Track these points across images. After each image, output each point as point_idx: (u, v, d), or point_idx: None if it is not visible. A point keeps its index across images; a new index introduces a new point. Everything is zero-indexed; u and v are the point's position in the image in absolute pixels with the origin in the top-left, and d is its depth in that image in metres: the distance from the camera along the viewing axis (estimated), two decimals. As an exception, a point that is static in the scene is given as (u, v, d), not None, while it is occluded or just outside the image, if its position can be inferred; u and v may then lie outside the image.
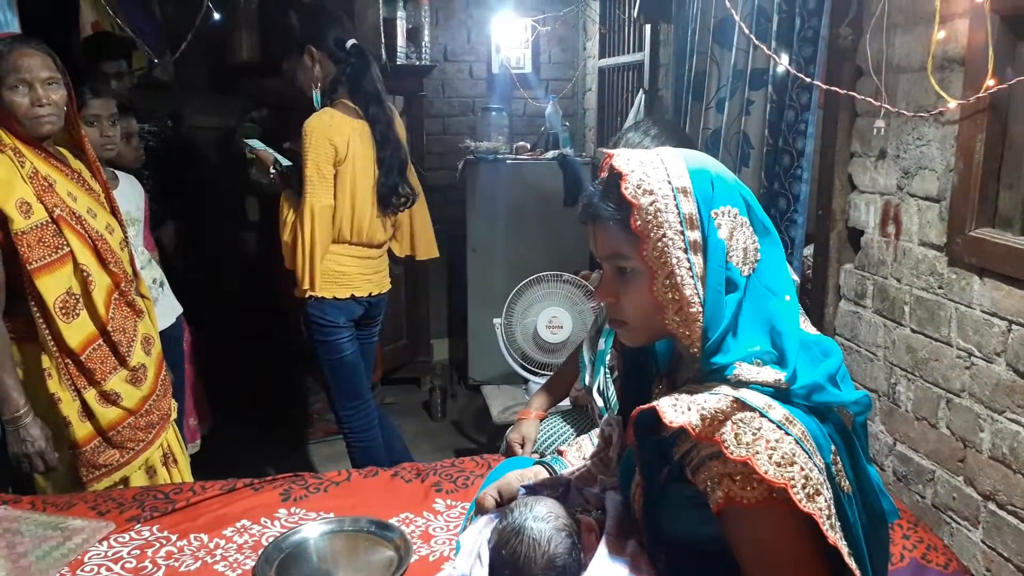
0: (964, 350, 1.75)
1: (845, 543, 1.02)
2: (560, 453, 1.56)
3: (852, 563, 1.02)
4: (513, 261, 4.00)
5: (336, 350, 2.81)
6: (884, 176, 2.01)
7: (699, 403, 1.06)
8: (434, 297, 4.77)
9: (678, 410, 1.06)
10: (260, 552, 1.75)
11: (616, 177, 1.12)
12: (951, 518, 1.81)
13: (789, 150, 2.26)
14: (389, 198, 2.78)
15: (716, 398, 1.05)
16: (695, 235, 1.10)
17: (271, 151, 2.83)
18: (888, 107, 1.84)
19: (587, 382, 2.07)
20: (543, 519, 1.14)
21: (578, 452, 1.55)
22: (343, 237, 2.72)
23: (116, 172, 2.71)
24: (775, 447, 1.01)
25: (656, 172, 1.11)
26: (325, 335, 2.78)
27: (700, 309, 1.09)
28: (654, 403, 1.09)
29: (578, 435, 2.11)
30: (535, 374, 3.09)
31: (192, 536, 1.84)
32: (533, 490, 1.36)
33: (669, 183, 1.10)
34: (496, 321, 3.11)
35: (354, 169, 2.67)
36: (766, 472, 0.99)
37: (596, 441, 1.59)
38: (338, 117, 2.63)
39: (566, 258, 3.90)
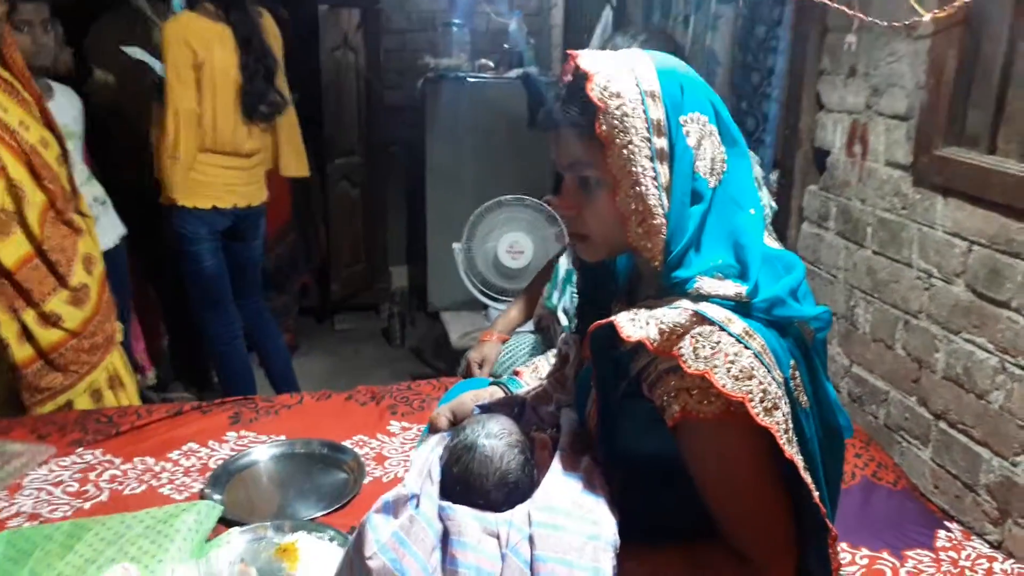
0: (924, 271, 1.74)
1: (801, 457, 1.01)
2: (516, 374, 1.52)
3: (807, 477, 1.00)
4: (474, 185, 3.90)
5: (195, 260, 2.80)
6: (853, 94, 1.95)
7: (658, 317, 1.02)
8: (392, 222, 4.67)
9: (636, 324, 1.03)
10: (208, 475, 1.71)
11: (581, 79, 1.05)
12: (902, 437, 1.83)
13: (758, 68, 2.19)
14: (254, 106, 2.72)
15: (675, 312, 1.01)
16: (662, 143, 1.04)
17: (150, 58, 2.73)
18: (861, 16, 1.78)
19: (554, 302, 2.03)
20: (495, 436, 1.10)
21: (534, 372, 1.51)
22: (204, 145, 2.68)
23: (51, 83, 2.54)
24: (733, 361, 0.97)
25: (624, 74, 1.04)
26: (185, 245, 2.76)
27: (664, 221, 1.04)
28: (612, 318, 1.05)
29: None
30: (495, 300, 3.05)
31: (137, 459, 1.79)
32: (488, 409, 1.32)
33: (637, 86, 1.04)
34: (456, 246, 3.04)
35: (213, 73, 2.62)
36: (724, 386, 0.96)
37: (552, 361, 1.56)
38: (196, 20, 2.60)
39: (529, 182, 3.81)
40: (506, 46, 4.41)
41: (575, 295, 2.02)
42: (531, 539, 1.01)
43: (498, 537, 1.02)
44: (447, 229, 3.85)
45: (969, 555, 1.46)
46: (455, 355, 3.04)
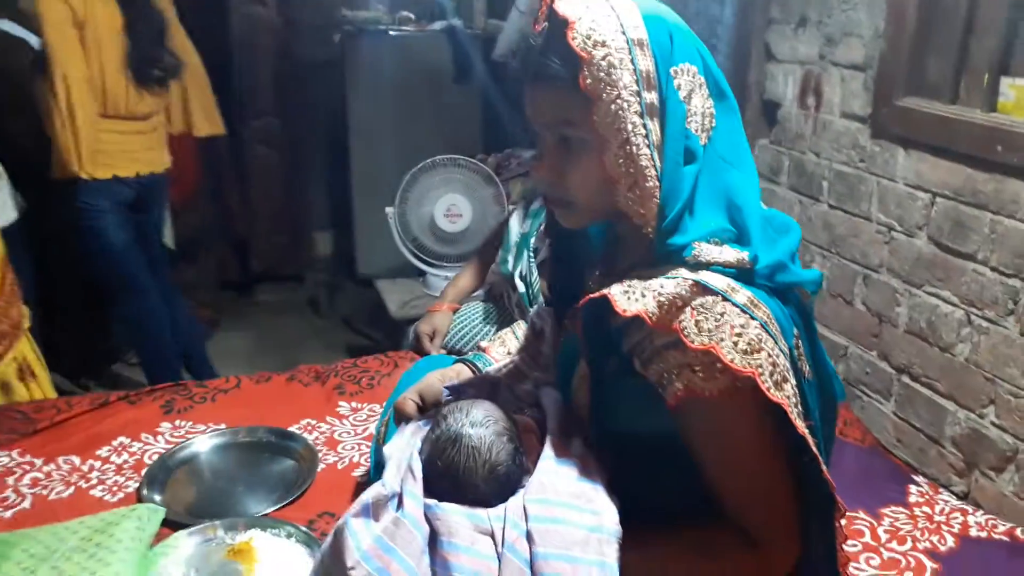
0: (885, 225, 1.72)
1: (808, 431, 0.95)
2: (482, 349, 1.43)
3: (816, 451, 0.95)
4: (401, 145, 3.73)
5: (99, 236, 2.61)
6: (805, 44, 1.91)
7: (655, 289, 0.94)
8: (314, 186, 4.46)
9: (631, 297, 0.94)
10: (144, 472, 1.56)
11: (560, 26, 0.94)
12: (863, 392, 1.83)
13: (710, 18, 2.12)
14: (144, 69, 2.53)
15: (673, 282, 0.93)
16: (652, 96, 0.95)
17: (22, 30, 2.53)
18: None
19: (510, 268, 1.94)
20: (481, 424, 1.00)
21: (502, 347, 1.42)
22: (98, 110, 2.49)
23: None
24: (740, 333, 0.91)
25: (608, 20, 0.94)
26: (87, 220, 2.57)
27: (657, 184, 0.95)
28: (604, 291, 0.96)
29: (496, 327, 1.99)
30: (432, 266, 2.93)
31: (61, 459, 1.62)
32: (457, 391, 1.23)
33: (623, 33, 0.94)
34: (389, 210, 2.90)
35: (98, 32, 2.42)
36: (732, 360, 0.90)
37: (520, 335, 1.47)
38: None
39: (459, 141, 3.67)
40: (427, -3, 4.21)
41: (532, 260, 1.94)
42: (529, 535, 0.93)
43: (492, 535, 0.94)
44: (373, 192, 3.69)
45: (942, 509, 1.46)
46: (394, 325, 2.91)
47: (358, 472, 1.58)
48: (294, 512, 1.45)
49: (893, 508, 1.47)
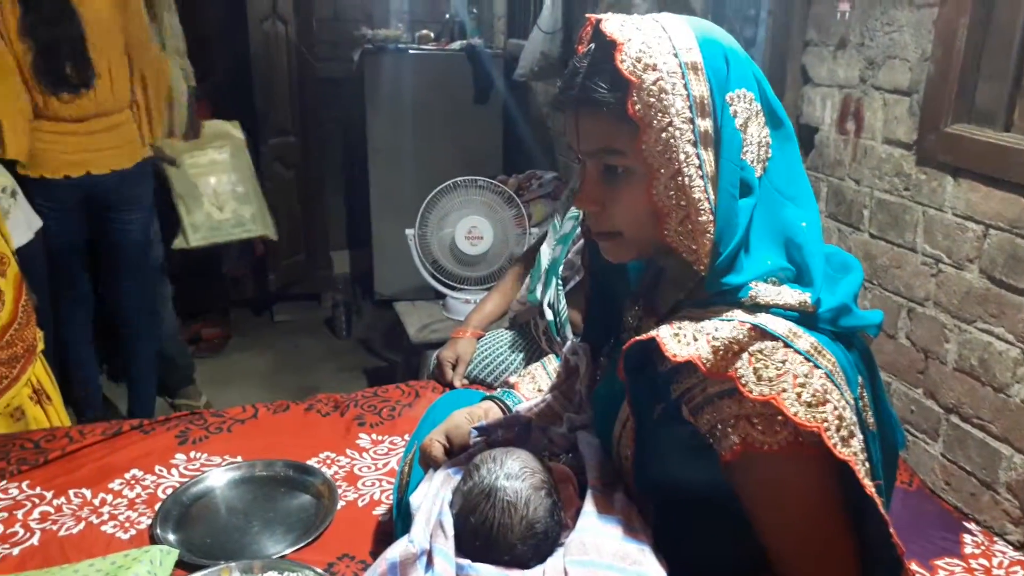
0: (931, 256, 1.64)
1: (874, 489, 0.88)
2: (511, 386, 1.36)
3: (884, 512, 0.87)
4: (420, 164, 3.69)
5: (45, 235, 2.50)
6: (844, 67, 1.84)
7: (708, 332, 0.87)
8: (332, 205, 4.42)
9: (682, 340, 0.88)
10: (157, 507, 1.50)
11: (607, 47, 0.88)
12: (908, 431, 1.75)
13: (738, 39, 2.05)
14: (51, 78, 2.43)
15: (729, 326, 0.87)
16: (706, 124, 0.89)
17: None
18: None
19: (539, 296, 1.87)
20: (517, 476, 0.94)
21: (532, 384, 1.36)
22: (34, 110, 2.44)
23: None
24: (804, 383, 0.84)
25: (659, 42, 0.88)
26: (43, 219, 2.49)
27: (711, 218, 0.89)
28: (653, 333, 0.90)
29: (522, 355, 1.92)
30: (452, 288, 2.87)
31: (72, 492, 1.56)
32: (487, 431, 1.16)
33: (676, 56, 0.88)
34: (409, 232, 2.84)
35: (7, 29, 2.35)
36: (795, 413, 0.83)
37: (551, 370, 1.40)
38: None
39: (478, 161, 3.63)
40: (447, 15, 4.19)
41: (560, 289, 1.87)
42: (570, 600, 0.86)
43: (531, 600, 0.87)
44: (392, 211, 3.66)
45: (1001, 562, 1.38)
46: (412, 349, 2.85)
47: (379, 511, 1.51)
48: (312, 554, 1.38)
49: (947, 560, 1.38)
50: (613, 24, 0.89)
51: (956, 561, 1.38)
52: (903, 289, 1.72)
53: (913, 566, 1.36)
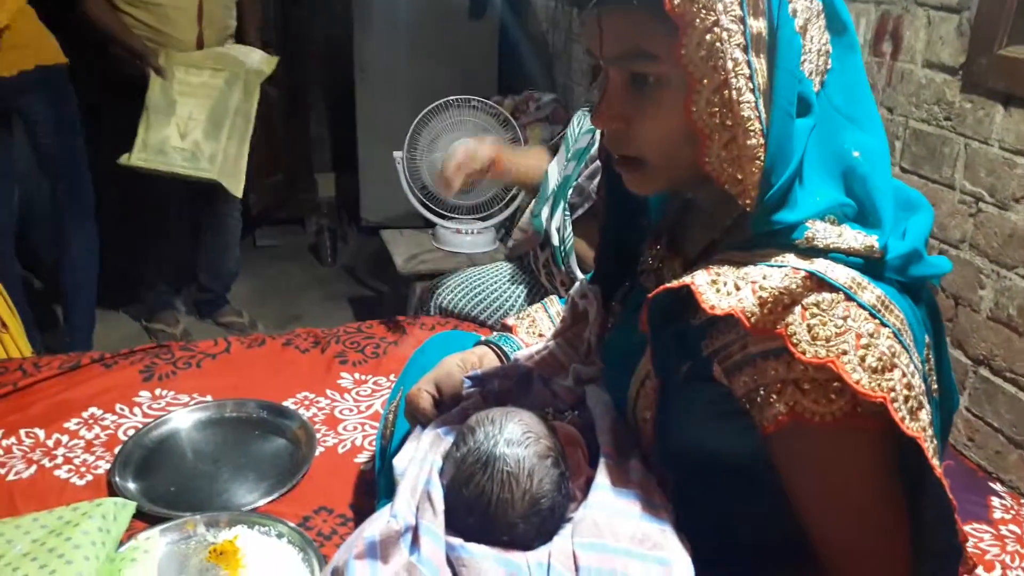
0: (971, 194, 1.49)
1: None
2: (508, 329, 1.21)
3: (952, 496, 0.75)
4: (410, 84, 3.48)
5: None
6: (884, -20, 1.65)
7: (754, 280, 0.73)
8: (315, 125, 4.20)
9: (722, 290, 0.74)
10: (117, 451, 1.37)
11: None
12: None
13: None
14: None
15: (780, 273, 0.72)
16: (760, 25, 0.73)
17: None
18: None
19: (544, 219, 1.70)
20: (519, 443, 0.80)
21: (532, 328, 1.21)
22: None
23: None
24: (869, 344, 0.70)
25: None
26: None
27: (762, 141, 0.73)
28: (687, 279, 0.75)
29: (524, 295, 1.77)
30: (442, 217, 2.70)
31: (23, 432, 1.44)
32: (481, 382, 1.03)
33: None
34: (397, 155, 2.66)
35: None
36: (858, 381, 0.69)
37: (553, 313, 1.26)
38: None
39: (472, 80, 3.42)
40: (442, -77, 3.89)
41: (567, 215, 1.71)
42: (579, 590, 0.73)
43: (533, 587, 0.74)
44: (380, 133, 3.47)
45: (1032, 527, 1.27)
46: (398, 279, 2.70)
47: (361, 458, 1.39)
48: (287, 506, 1.27)
49: (975, 526, 1.28)
50: None
51: (984, 527, 1.27)
52: (936, 230, 1.58)
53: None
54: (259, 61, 2.67)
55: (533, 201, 1.81)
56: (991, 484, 1.40)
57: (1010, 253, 1.43)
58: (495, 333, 1.21)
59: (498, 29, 3.66)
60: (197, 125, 2.53)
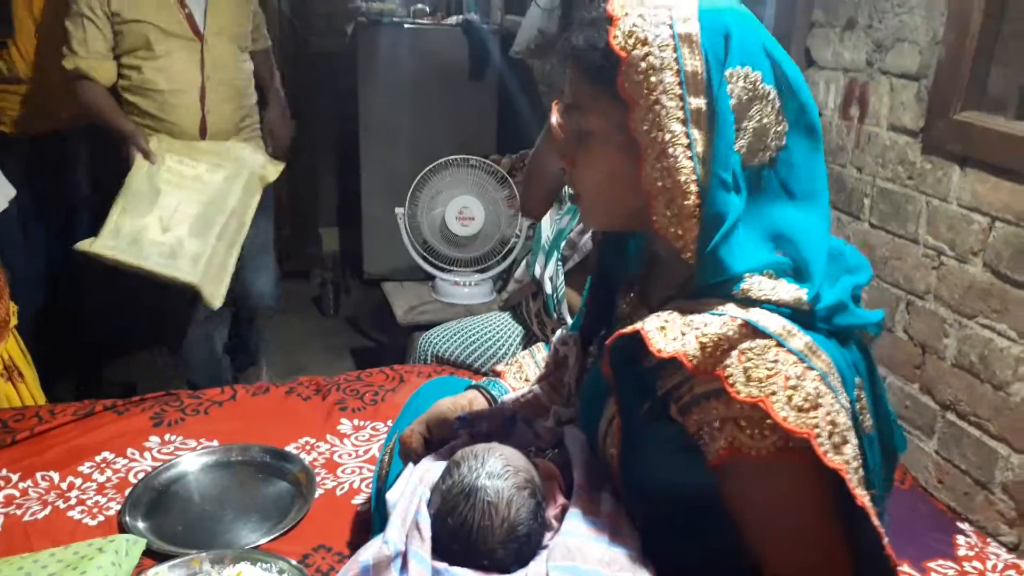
0: (933, 248, 1.59)
1: (867, 498, 0.83)
2: (497, 374, 1.30)
3: (877, 522, 0.83)
4: (413, 142, 3.62)
5: None
6: (851, 50, 1.77)
7: (697, 327, 0.82)
8: (322, 181, 4.34)
9: (669, 335, 0.83)
10: (127, 493, 1.45)
11: (604, 19, 0.83)
12: (901, 427, 1.70)
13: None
14: None
15: (719, 320, 0.81)
16: (699, 102, 0.83)
17: None
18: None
19: (537, 271, 1.81)
20: (499, 475, 0.88)
21: (519, 373, 1.30)
22: None
23: None
24: (796, 385, 0.79)
25: (656, 13, 0.83)
26: None
27: (698, 201, 0.83)
28: (638, 326, 0.84)
29: (515, 344, 1.86)
30: (442, 270, 2.81)
31: (39, 475, 1.51)
32: (470, 423, 1.11)
33: (671, 27, 0.82)
34: (399, 211, 2.78)
35: None
36: (785, 418, 0.78)
37: (539, 360, 1.35)
38: None
39: (474, 140, 3.56)
40: (443, -11, 4.09)
41: (559, 265, 1.81)
42: (552, 609, 0.81)
43: (509, 607, 0.82)
44: (383, 189, 3.60)
45: (995, 565, 1.34)
46: (399, 330, 2.79)
47: (358, 500, 1.47)
48: (287, 544, 1.33)
49: (941, 562, 1.34)
50: (617, 0, 0.84)
51: (949, 563, 1.34)
52: (902, 281, 1.67)
53: (905, 567, 1.32)
54: (263, 164, 2.44)
55: (528, 253, 1.92)
56: (958, 524, 1.47)
57: (970, 303, 1.52)
58: (485, 378, 1.30)
59: (497, 91, 3.81)
60: (184, 220, 2.20)
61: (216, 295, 2.19)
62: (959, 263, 1.53)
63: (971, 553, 1.37)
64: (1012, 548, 1.43)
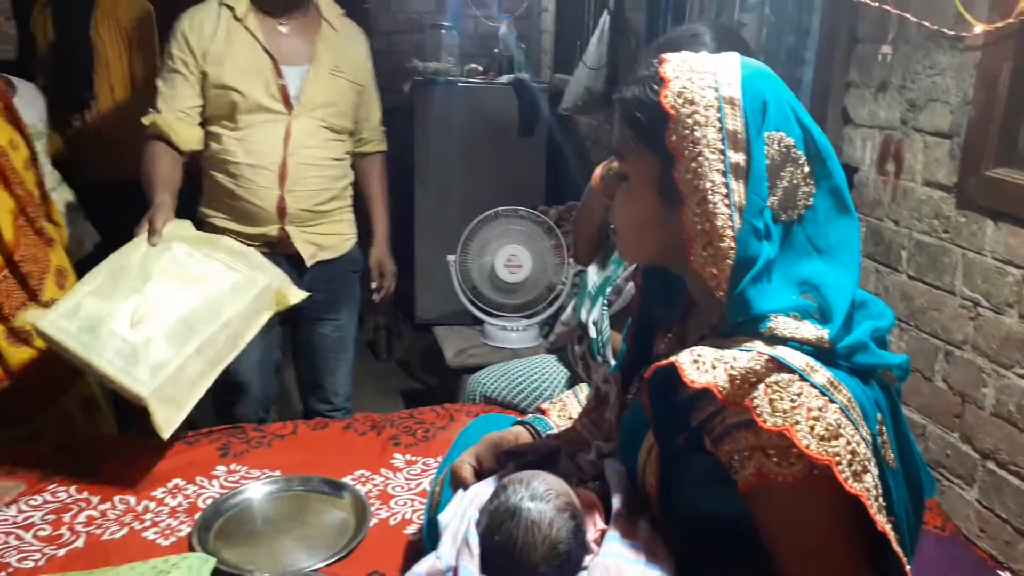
0: (970, 299, 1.63)
1: (890, 526, 0.89)
2: (542, 412, 1.38)
3: (899, 549, 0.88)
4: (465, 194, 3.77)
5: None
6: (885, 109, 1.85)
7: (727, 361, 0.90)
8: (378, 230, 4.50)
9: (701, 368, 0.90)
10: (197, 516, 1.55)
11: (657, 81, 0.94)
12: (942, 475, 1.73)
13: (788, 80, 2.08)
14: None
15: (747, 356, 0.89)
16: (739, 157, 0.93)
17: None
18: (906, 16, 1.66)
19: (583, 315, 1.90)
20: (542, 498, 0.97)
21: (563, 411, 1.38)
22: None
23: (11, 78, 2.34)
24: (818, 416, 0.86)
25: (704, 77, 0.93)
26: None
27: (733, 245, 0.92)
28: (673, 359, 0.92)
29: (560, 385, 1.95)
30: (490, 315, 2.91)
31: (117, 498, 1.62)
32: (516, 456, 1.19)
33: (716, 91, 0.92)
34: (450, 259, 2.90)
35: None
36: (807, 446, 0.85)
37: (582, 398, 1.43)
38: None
39: (522, 192, 3.68)
40: (496, 50, 4.28)
41: (605, 309, 1.90)
42: (590, 623, 0.88)
43: (551, 619, 0.89)
44: (436, 238, 3.73)
45: (1033, 611, 1.35)
46: (449, 372, 2.89)
47: (410, 530, 1.55)
48: (343, 568, 1.42)
49: (979, 607, 1.36)
50: (670, 65, 0.95)
51: (988, 609, 1.36)
52: (940, 331, 1.71)
53: (944, 611, 1.34)
54: (285, 284, 1.95)
55: (575, 298, 2.02)
56: (999, 572, 1.48)
57: (1007, 354, 1.55)
58: (530, 415, 1.38)
59: (546, 145, 3.96)
60: (163, 319, 1.70)
61: (169, 421, 1.63)
62: (995, 314, 1.57)
63: (1009, 599, 1.39)
64: (1052, 597, 1.44)
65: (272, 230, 2.21)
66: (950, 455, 1.71)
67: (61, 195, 2.42)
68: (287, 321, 2.37)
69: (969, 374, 1.64)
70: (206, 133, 2.18)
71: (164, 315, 1.70)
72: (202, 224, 2.22)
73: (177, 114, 2.12)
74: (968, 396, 1.65)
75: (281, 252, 2.22)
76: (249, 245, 2.06)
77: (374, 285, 2.54)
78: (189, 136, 2.14)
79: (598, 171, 1.65)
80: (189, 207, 2.21)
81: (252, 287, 1.83)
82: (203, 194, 2.28)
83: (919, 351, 1.77)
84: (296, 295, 1.93)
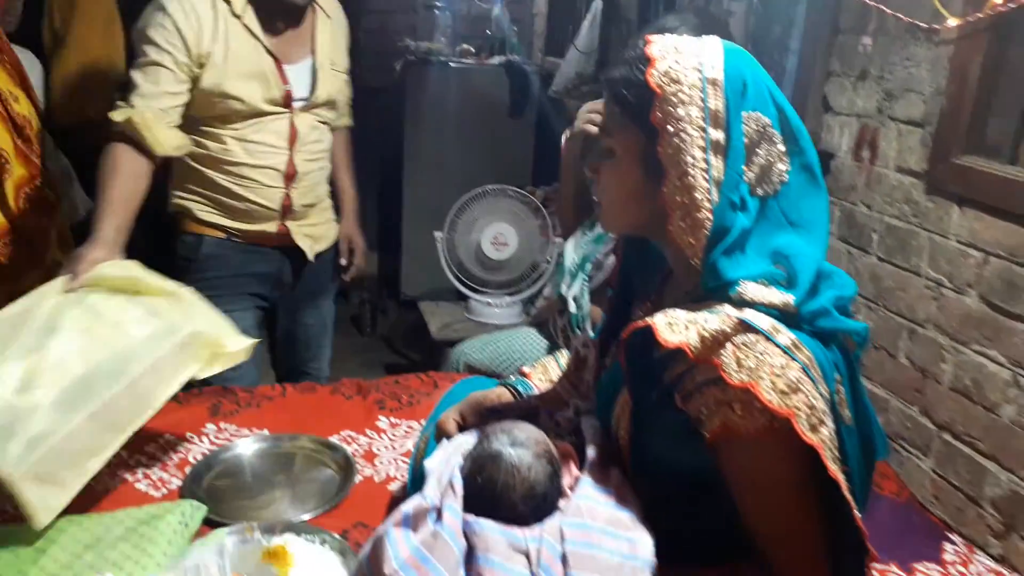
0: (934, 280, 1.72)
1: (843, 476, 0.96)
2: (523, 374, 1.45)
3: (849, 496, 0.96)
4: (453, 172, 3.81)
5: None
6: (863, 98, 1.92)
7: (698, 322, 0.96)
8: (364, 206, 4.53)
9: (675, 329, 0.97)
10: (188, 470, 1.61)
11: (644, 61, 1.00)
12: (901, 446, 1.81)
13: (774, 68, 2.15)
14: None
15: (717, 318, 0.96)
16: (719, 135, 0.99)
17: None
18: (885, 9, 1.74)
19: (565, 290, 1.97)
20: (522, 444, 1.04)
21: (544, 374, 1.45)
22: None
23: (14, 46, 2.36)
24: (780, 374, 0.93)
25: (689, 58, 0.99)
26: None
27: (709, 216, 0.98)
28: (648, 320, 0.99)
29: (542, 355, 2.02)
30: (475, 291, 2.97)
31: (110, 452, 1.67)
32: (499, 413, 1.26)
33: (699, 72, 0.98)
34: (438, 235, 2.96)
35: None
36: (770, 400, 0.91)
37: (562, 362, 1.49)
38: None
39: (510, 172, 3.74)
40: (488, 32, 4.32)
41: (586, 283, 1.96)
42: (564, 557, 0.95)
43: (527, 555, 0.96)
44: (423, 216, 3.77)
45: (978, 571, 1.44)
46: (434, 346, 2.96)
47: (393, 486, 1.61)
48: (329, 520, 1.48)
49: (926, 564, 1.44)
50: (656, 46, 1.01)
51: (934, 566, 1.44)
52: (906, 311, 1.80)
53: (893, 568, 1.42)
54: (224, 331, 1.62)
55: (555, 275, 2.09)
56: (949, 535, 1.57)
57: (966, 332, 1.64)
58: (513, 377, 1.44)
59: (535, 127, 4.01)
60: (58, 382, 1.38)
61: (47, 506, 1.28)
62: (956, 294, 1.66)
63: (956, 559, 1.47)
64: (999, 559, 1.53)
65: (271, 227, 2.10)
66: (910, 427, 1.79)
67: (56, 162, 2.44)
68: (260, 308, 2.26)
69: (930, 351, 1.73)
70: (196, 131, 1.96)
71: (62, 375, 1.39)
72: (179, 217, 2.08)
73: (156, 112, 1.83)
74: (928, 372, 1.73)
75: (276, 246, 2.15)
76: (244, 241, 2.06)
77: (343, 262, 2.42)
78: (167, 139, 1.84)
79: (564, 137, 1.77)
80: (160, 190, 1.99)
81: (171, 336, 1.50)
82: (181, 181, 2.06)
83: (885, 329, 1.85)
84: (237, 343, 1.60)
